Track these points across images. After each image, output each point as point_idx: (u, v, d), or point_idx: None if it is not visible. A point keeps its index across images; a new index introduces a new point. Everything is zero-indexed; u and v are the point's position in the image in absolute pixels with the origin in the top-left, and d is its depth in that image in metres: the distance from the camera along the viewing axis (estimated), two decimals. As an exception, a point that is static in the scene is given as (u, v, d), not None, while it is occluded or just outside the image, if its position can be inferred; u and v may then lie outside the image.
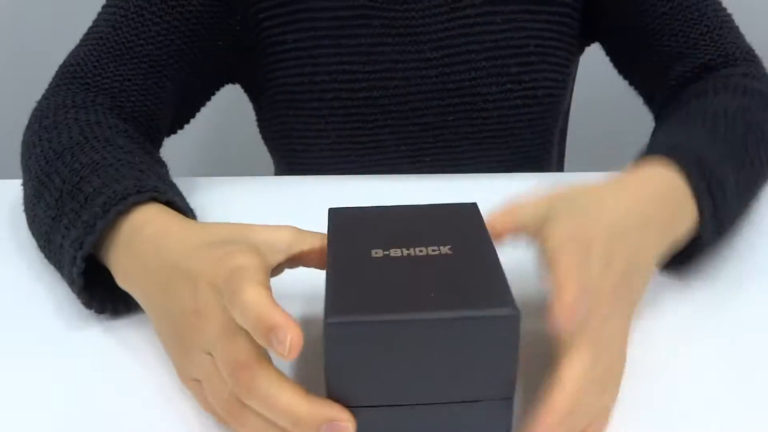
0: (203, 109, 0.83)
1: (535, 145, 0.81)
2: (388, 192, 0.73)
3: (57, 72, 0.73)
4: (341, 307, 0.40)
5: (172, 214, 0.53)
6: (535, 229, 0.48)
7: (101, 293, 0.54)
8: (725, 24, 0.75)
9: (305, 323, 0.53)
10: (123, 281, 0.53)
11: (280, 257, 0.49)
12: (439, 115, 0.78)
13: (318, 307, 0.41)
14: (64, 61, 0.73)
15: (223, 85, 0.83)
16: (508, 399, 0.41)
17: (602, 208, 0.49)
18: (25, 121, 0.70)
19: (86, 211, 0.53)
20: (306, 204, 0.70)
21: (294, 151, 0.82)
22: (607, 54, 0.82)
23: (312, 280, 0.50)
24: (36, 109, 0.70)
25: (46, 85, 0.73)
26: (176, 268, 0.47)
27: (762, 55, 0.76)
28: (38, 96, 0.72)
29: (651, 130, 0.77)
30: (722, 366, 0.50)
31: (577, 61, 0.90)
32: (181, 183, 0.64)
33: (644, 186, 0.54)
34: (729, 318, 0.55)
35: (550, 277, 0.43)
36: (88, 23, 0.75)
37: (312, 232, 0.50)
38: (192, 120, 0.82)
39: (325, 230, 0.49)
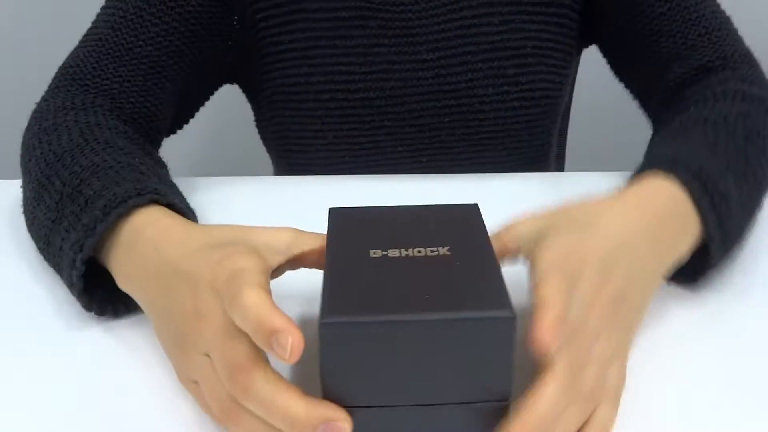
0: (202, 109, 0.83)
1: (533, 146, 0.81)
2: (389, 192, 0.73)
3: (56, 73, 0.73)
4: (336, 307, 0.40)
5: (173, 216, 0.53)
6: (528, 249, 0.48)
7: (101, 295, 0.55)
8: (724, 26, 0.74)
9: (303, 324, 0.53)
10: (124, 283, 0.53)
11: (280, 259, 0.48)
12: (435, 117, 0.78)
13: (316, 308, 0.41)
14: (64, 63, 0.73)
15: (221, 85, 0.83)
16: (505, 401, 0.41)
17: (601, 225, 0.49)
18: (25, 122, 0.70)
19: (86, 214, 0.53)
20: (305, 204, 0.70)
21: (291, 152, 0.82)
22: (605, 56, 0.82)
23: (311, 281, 0.50)
24: (35, 111, 0.70)
25: (45, 87, 0.73)
26: (176, 271, 0.47)
27: (760, 58, 0.75)
28: (38, 97, 0.72)
29: (650, 130, 0.77)
30: (727, 373, 0.50)
31: (577, 62, 0.90)
32: (181, 183, 0.64)
33: (645, 202, 0.53)
34: (733, 327, 0.54)
35: (534, 299, 0.43)
36: (88, 24, 0.75)
37: (312, 233, 0.50)
38: (191, 120, 0.82)
39: (324, 230, 0.49)
